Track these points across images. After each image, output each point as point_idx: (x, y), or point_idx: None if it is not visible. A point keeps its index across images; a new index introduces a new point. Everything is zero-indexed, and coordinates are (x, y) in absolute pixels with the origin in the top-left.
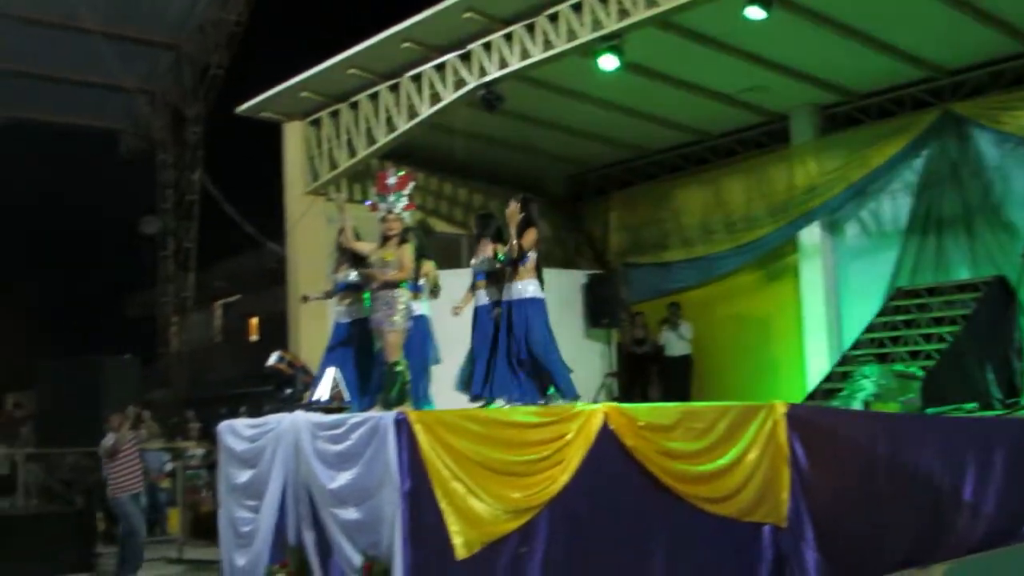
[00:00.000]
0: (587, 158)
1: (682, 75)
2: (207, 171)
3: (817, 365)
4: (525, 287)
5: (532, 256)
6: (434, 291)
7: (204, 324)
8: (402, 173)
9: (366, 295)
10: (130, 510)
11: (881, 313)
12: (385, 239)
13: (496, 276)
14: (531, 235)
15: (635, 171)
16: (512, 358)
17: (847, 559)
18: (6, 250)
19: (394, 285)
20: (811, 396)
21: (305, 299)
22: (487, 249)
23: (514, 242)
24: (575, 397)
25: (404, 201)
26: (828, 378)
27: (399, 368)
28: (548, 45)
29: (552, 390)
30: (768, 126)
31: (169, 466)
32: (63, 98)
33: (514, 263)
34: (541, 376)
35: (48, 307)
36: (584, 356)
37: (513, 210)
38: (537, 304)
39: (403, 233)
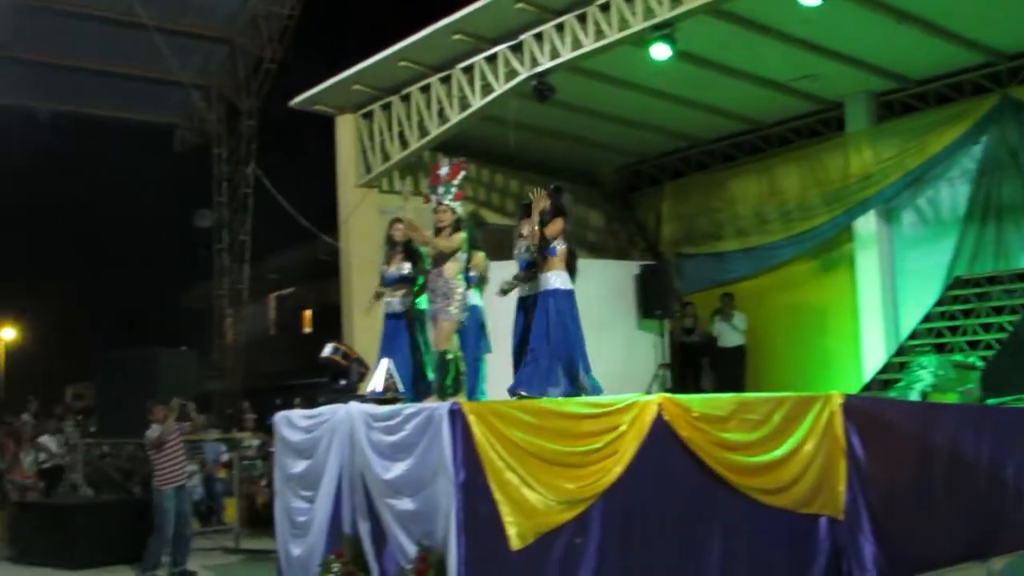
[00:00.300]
0: (639, 148)
1: (735, 63)
2: (260, 164)
3: (873, 356)
4: (549, 278)
5: (560, 247)
6: (482, 282)
7: (258, 316)
8: (454, 163)
9: (417, 286)
10: (167, 505)
11: (939, 303)
12: (438, 230)
13: (534, 265)
14: (557, 224)
15: (688, 161)
16: (529, 350)
17: (905, 552)
18: (65, 244)
19: (445, 259)
20: (868, 387)
21: (378, 296)
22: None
23: (535, 228)
24: (597, 393)
25: (454, 191)
26: (885, 369)
27: (451, 357)
28: (600, 35)
29: (572, 384)
30: (822, 114)
31: (226, 456)
32: (119, 93)
33: (541, 253)
34: (563, 369)
35: (106, 300)
36: (637, 347)
37: (539, 198)
38: (561, 295)
39: (455, 223)
